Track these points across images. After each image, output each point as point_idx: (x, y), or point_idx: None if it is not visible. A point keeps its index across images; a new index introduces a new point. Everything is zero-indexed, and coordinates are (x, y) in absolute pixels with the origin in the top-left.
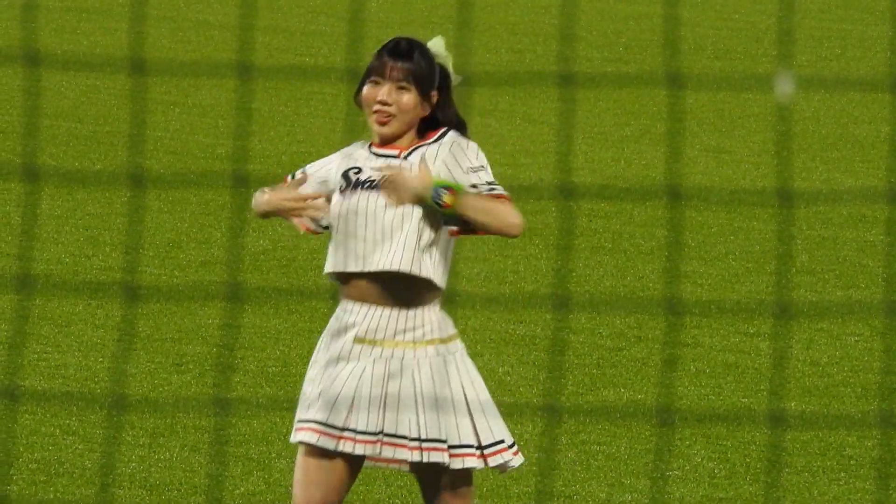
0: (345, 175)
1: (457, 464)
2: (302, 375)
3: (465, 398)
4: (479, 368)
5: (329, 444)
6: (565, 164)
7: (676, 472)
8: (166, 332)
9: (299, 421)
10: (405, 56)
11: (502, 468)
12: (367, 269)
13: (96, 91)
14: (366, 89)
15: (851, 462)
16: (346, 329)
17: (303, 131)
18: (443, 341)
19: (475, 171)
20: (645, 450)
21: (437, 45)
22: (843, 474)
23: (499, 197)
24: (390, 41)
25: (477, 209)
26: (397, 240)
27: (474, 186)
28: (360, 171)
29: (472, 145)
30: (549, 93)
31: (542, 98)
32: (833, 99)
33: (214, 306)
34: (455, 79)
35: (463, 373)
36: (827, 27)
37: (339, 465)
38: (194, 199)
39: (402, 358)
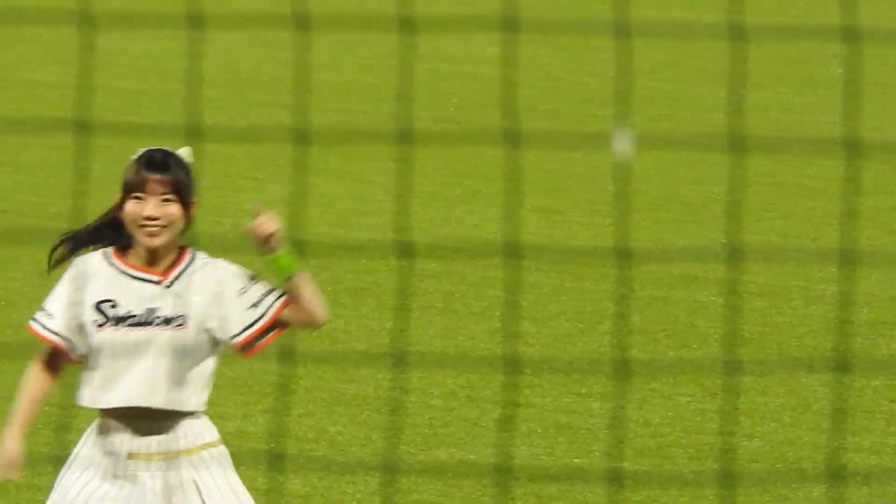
0: (98, 309)
1: None
2: None
3: None
4: (311, 427)
5: None
6: (396, 223)
7: None
8: None
9: None
10: (163, 168)
11: None
12: (145, 405)
13: None
14: (129, 206)
15: None
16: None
17: None
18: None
19: (246, 289)
20: None
21: (187, 153)
22: None
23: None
24: (143, 154)
25: (308, 282)
26: (174, 376)
27: (254, 306)
28: (115, 303)
29: (224, 264)
30: (379, 152)
31: (371, 158)
32: (663, 159)
33: None
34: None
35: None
36: (656, 88)
37: None
38: (26, 259)
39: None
